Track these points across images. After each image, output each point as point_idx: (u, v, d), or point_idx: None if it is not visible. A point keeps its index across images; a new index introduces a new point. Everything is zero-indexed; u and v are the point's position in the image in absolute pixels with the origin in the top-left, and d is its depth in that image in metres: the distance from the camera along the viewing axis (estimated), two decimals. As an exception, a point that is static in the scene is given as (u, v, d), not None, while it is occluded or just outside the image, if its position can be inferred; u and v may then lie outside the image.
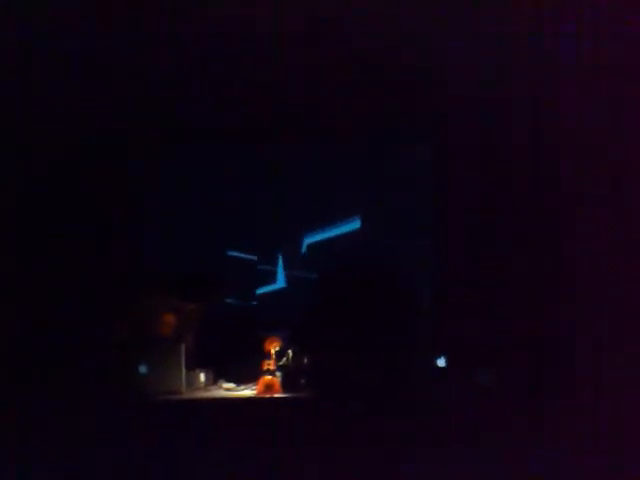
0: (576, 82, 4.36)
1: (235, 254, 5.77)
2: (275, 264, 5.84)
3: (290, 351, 4.32)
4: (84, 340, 4.74)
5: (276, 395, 4.14)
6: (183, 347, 4.23)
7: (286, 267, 5.85)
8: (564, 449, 3.84)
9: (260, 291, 5.73)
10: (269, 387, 4.16)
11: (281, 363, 4.29)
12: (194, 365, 4.37)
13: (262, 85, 5.26)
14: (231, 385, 4.40)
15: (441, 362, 4.26)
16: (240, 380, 4.43)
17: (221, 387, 4.41)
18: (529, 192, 4.78)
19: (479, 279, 5.18)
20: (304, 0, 4.60)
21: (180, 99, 5.31)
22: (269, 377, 4.18)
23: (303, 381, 4.21)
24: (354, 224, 5.84)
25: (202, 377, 4.45)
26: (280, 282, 5.77)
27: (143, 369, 4.18)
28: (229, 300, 5.59)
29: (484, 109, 5.14)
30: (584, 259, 4.27)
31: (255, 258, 5.85)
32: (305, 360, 4.28)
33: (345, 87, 5.31)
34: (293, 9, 4.68)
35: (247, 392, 4.28)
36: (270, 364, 4.23)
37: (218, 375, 4.55)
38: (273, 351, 4.30)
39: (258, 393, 4.18)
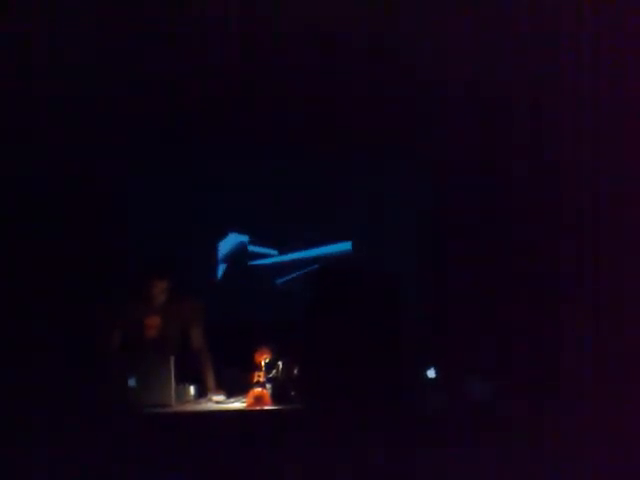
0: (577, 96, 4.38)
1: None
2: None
3: (280, 363, 4.28)
4: (73, 353, 4.74)
5: (266, 407, 4.10)
6: (172, 360, 4.19)
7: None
8: (564, 457, 3.83)
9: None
10: (259, 399, 4.12)
11: (271, 375, 4.26)
12: (183, 378, 4.34)
13: (261, 95, 5.30)
14: (221, 398, 4.37)
15: (431, 373, 4.24)
16: (230, 392, 4.40)
17: (211, 400, 4.38)
18: (527, 206, 4.79)
19: (474, 291, 5.19)
20: (301, 11, 4.62)
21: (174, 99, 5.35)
22: (259, 389, 4.14)
23: (293, 393, 4.17)
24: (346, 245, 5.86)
25: (192, 390, 4.42)
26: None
27: (132, 382, 4.14)
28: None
29: (483, 125, 5.17)
30: (583, 272, 4.26)
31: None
32: (295, 372, 4.25)
33: (345, 104, 5.36)
34: (289, 23, 4.70)
35: (237, 405, 4.24)
36: (260, 376, 4.20)
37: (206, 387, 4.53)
38: (263, 363, 4.28)
39: (248, 405, 4.14)
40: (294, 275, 5.89)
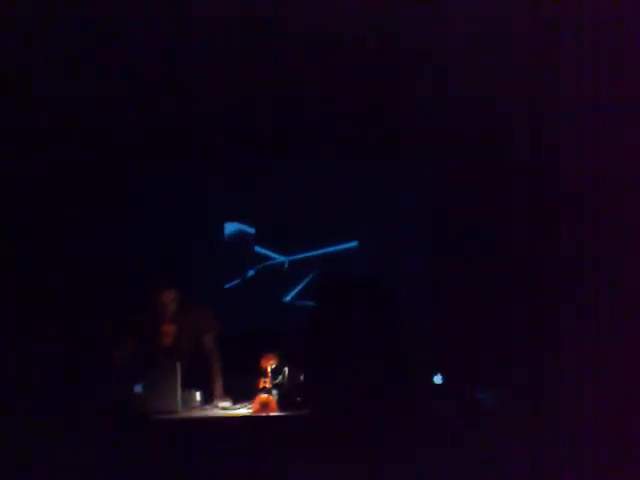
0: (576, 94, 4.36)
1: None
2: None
3: (286, 369, 4.28)
4: (80, 359, 4.75)
5: (272, 413, 4.10)
6: (179, 366, 4.20)
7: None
8: (564, 466, 3.82)
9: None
10: (265, 406, 4.12)
11: (277, 381, 4.26)
12: (190, 384, 4.35)
13: (264, 100, 5.29)
14: (227, 404, 4.36)
15: (437, 379, 4.24)
16: (236, 398, 4.40)
17: (217, 406, 4.38)
18: (528, 211, 4.78)
19: (477, 297, 5.17)
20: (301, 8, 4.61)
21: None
22: (265, 395, 4.14)
23: (299, 399, 4.17)
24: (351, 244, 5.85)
25: (198, 396, 4.42)
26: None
27: (138, 388, 4.15)
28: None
29: (483, 124, 5.15)
30: (584, 277, 4.25)
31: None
32: (301, 378, 4.24)
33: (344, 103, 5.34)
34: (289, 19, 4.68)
35: (243, 411, 4.24)
36: (266, 382, 4.20)
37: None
38: (269, 369, 4.27)
39: (254, 412, 4.14)
40: (300, 286, 5.88)
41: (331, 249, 5.87)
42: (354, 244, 5.89)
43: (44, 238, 5.33)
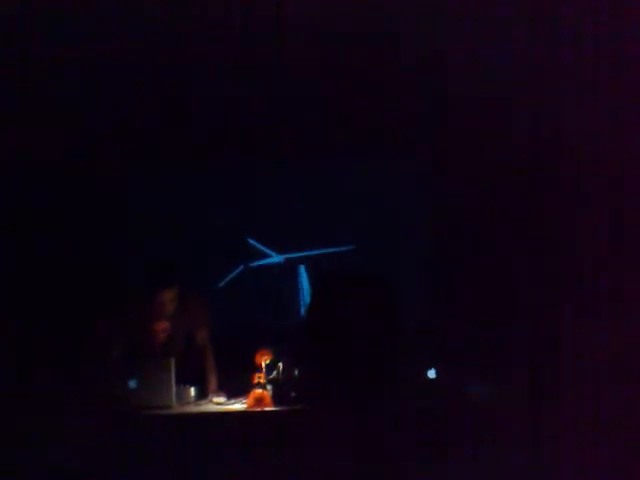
0: (576, 86, 4.36)
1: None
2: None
3: (280, 364, 4.28)
4: (74, 356, 4.75)
5: (267, 409, 4.10)
6: (173, 361, 4.19)
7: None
8: (563, 463, 3.82)
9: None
10: (259, 401, 4.11)
11: (271, 376, 4.25)
12: (184, 380, 4.34)
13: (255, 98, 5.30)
14: (221, 399, 4.36)
15: (431, 373, 4.23)
16: (230, 394, 4.40)
17: (211, 401, 4.37)
18: (528, 207, 4.78)
19: (471, 291, 5.17)
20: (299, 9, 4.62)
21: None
22: (259, 390, 4.13)
23: (294, 394, 4.17)
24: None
25: (192, 391, 4.42)
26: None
27: (133, 384, 4.15)
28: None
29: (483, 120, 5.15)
30: (583, 273, 4.25)
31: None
32: (296, 373, 4.24)
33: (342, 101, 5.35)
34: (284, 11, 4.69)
35: (237, 406, 4.24)
36: (261, 377, 4.19)
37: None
38: (263, 364, 4.27)
39: (249, 407, 4.14)
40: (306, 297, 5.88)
41: (328, 250, 5.87)
42: (350, 247, 5.89)
43: (42, 236, 5.33)
